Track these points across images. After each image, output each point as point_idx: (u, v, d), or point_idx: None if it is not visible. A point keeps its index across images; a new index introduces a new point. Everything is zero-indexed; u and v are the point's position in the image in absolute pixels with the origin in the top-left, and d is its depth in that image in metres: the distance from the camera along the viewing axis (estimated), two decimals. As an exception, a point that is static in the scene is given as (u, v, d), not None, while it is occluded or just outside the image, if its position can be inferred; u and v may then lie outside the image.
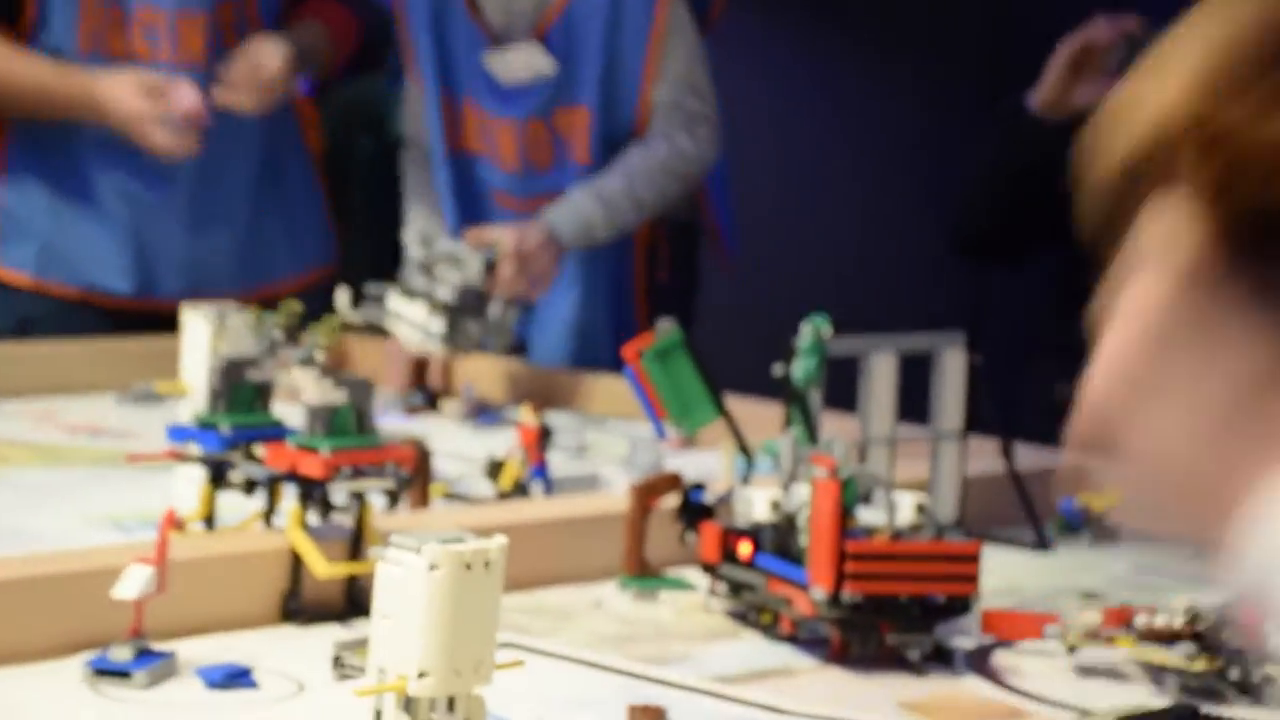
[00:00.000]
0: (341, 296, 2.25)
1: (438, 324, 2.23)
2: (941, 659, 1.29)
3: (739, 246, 2.85)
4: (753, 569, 1.35)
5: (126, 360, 2.38)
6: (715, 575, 1.39)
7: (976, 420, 1.69)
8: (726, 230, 2.82)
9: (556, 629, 1.36)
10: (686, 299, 2.81)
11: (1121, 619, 1.28)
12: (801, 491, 1.34)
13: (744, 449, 1.45)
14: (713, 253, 2.82)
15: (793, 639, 1.33)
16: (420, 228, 2.53)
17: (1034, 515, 1.71)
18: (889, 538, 1.30)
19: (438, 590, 0.87)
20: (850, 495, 1.28)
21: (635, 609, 1.43)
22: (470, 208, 2.65)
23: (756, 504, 1.37)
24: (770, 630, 1.34)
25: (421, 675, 0.87)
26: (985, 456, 1.76)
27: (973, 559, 1.28)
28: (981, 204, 2.56)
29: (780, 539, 1.35)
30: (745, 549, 1.34)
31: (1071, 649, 1.31)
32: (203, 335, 1.61)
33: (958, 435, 1.68)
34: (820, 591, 1.27)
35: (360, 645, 0.94)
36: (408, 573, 0.88)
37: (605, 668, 1.27)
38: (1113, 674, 1.29)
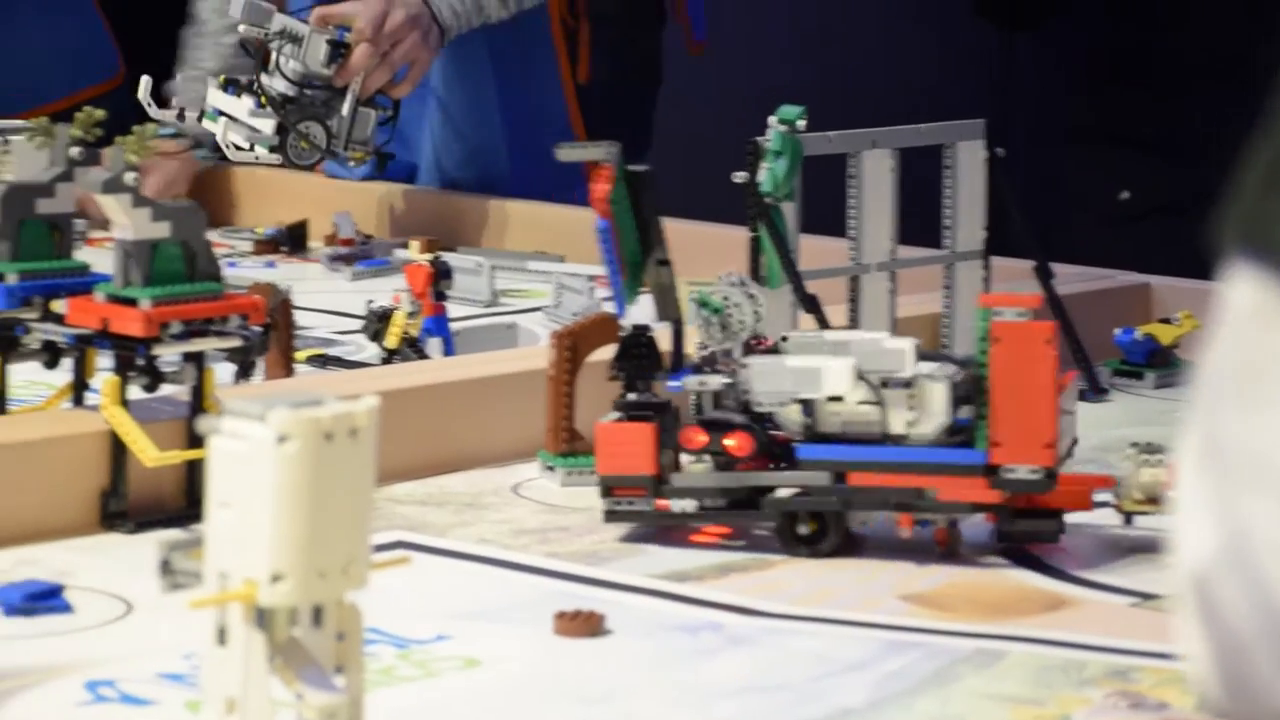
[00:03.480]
0: (143, 88, 2.22)
1: (266, 124, 2.20)
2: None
3: (705, 26, 2.84)
4: (798, 464, 1.29)
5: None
6: (656, 490, 1.31)
7: (1001, 234, 1.69)
8: (693, 5, 2.81)
9: (463, 523, 1.36)
10: (642, 100, 2.80)
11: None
12: (887, 350, 1.28)
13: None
14: (682, 33, 2.82)
15: (896, 554, 1.29)
16: None
17: (1082, 353, 1.72)
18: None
19: (290, 468, 0.86)
20: None
21: (563, 495, 1.43)
22: None
23: (832, 375, 1.27)
24: (813, 543, 1.29)
25: (275, 579, 0.87)
26: (1015, 280, 1.77)
27: None
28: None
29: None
30: (733, 443, 1.29)
31: (1128, 517, 1.32)
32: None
33: (978, 255, 1.68)
34: (1030, 470, 1.25)
35: (195, 545, 0.94)
36: (250, 448, 0.87)
37: (525, 568, 1.28)
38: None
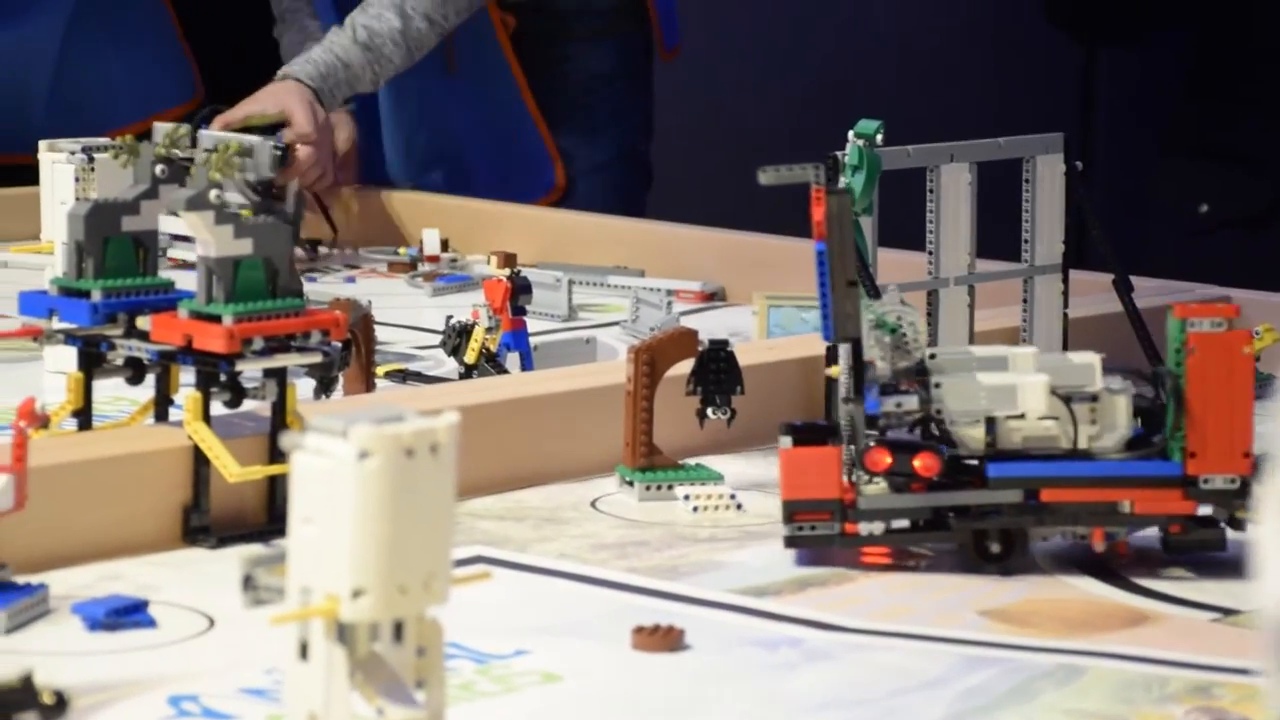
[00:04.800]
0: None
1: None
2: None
3: (677, 30, 2.85)
4: (989, 482, 1.28)
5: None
6: (846, 516, 1.29)
7: (1080, 248, 1.68)
8: (664, 6, 2.82)
9: (542, 538, 1.37)
10: (633, 111, 2.81)
11: None
12: (1077, 365, 1.28)
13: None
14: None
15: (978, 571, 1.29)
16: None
17: (1162, 366, 1.71)
18: None
19: (371, 484, 0.87)
20: None
21: (641, 509, 1.44)
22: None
23: (1028, 392, 1.26)
24: (1000, 560, 1.28)
25: (357, 594, 0.88)
26: (1094, 295, 1.76)
27: None
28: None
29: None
30: (921, 464, 1.27)
31: (1235, 523, 1.31)
32: (65, 177, 1.60)
33: (1057, 268, 1.67)
34: (1226, 479, 1.26)
35: (278, 561, 0.94)
36: (332, 464, 0.88)
37: (604, 583, 1.28)
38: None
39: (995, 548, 1.29)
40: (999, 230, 1.70)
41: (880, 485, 1.30)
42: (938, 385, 1.29)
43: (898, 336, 1.31)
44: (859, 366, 1.30)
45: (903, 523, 1.30)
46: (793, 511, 1.29)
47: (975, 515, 1.29)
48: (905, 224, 1.70)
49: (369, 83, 2.52)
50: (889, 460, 1.29)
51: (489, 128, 2.74)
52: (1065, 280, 1.68)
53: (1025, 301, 1.68)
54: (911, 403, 1.29)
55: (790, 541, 1.30)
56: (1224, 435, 1.26)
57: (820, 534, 1.30)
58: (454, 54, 2.70)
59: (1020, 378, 1.29)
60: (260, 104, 2.42)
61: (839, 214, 1.29)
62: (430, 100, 2.71)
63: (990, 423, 1.28)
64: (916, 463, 1.28)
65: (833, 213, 1.29)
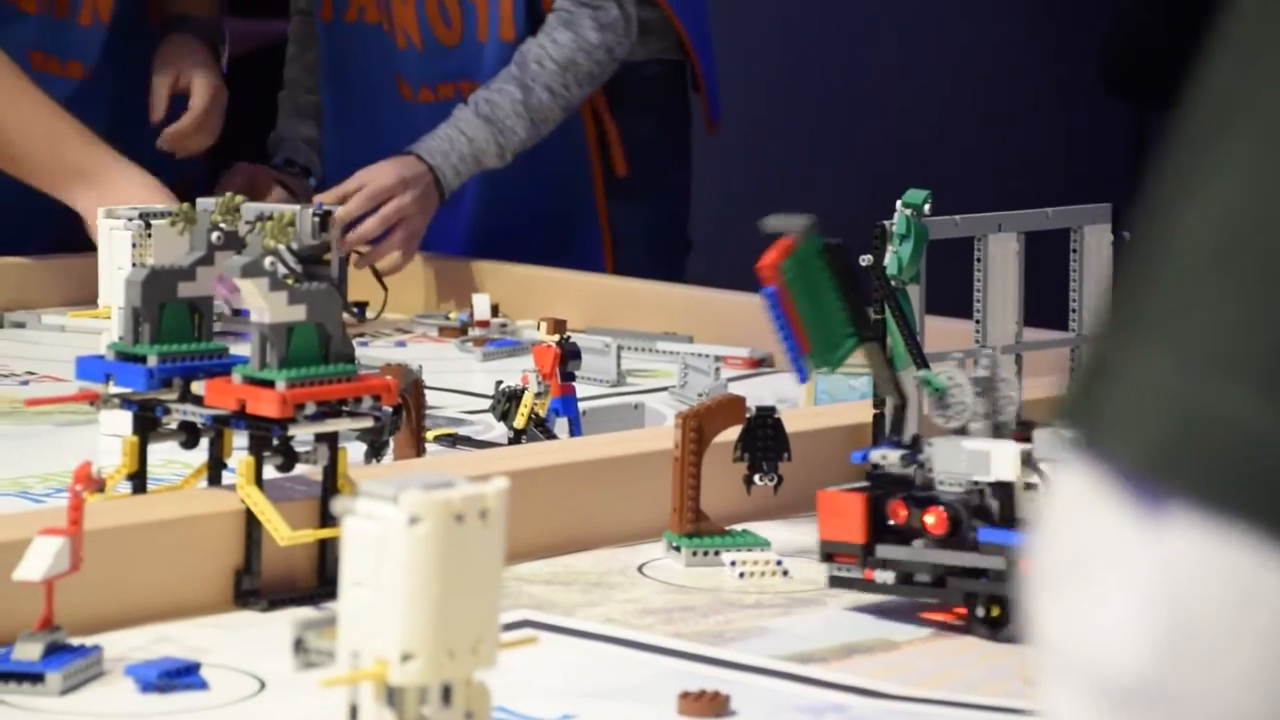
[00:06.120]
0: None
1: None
2: None
3: (720, 103, 2.87)
4: (976, 548, 1.29)
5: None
6: (863, 561, 1.32)
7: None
8: (710, 80, 2.84)
9: (589, 602, 1.38)
10: (673, 179, 2.83)
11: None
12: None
13: (896, 389, 1.37)
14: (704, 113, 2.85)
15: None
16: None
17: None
18: None
19: (421, 549, 0.88)
20: None
21: (688, 575, 1.44)
22: (357, 98, 2.68)
23: (1000, 460, 1.28)
24: (996, 628, 1.29)
25: (406, 659, 0.89)
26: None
27: None
28: (1139, 22, 2.54)
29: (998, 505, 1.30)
30: (932, 520, 1.29)
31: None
32: (122, 244, 1.62)
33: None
34: None
35: (328, 624, 0.96)
36: (383, 528, 0.89)
37: (651, 648, 1.29)
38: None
39: (980, 611, 1.30)
40: (1047, 298, 1.71)
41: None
42: (930, 444, 1.32)
43: (943, 395, 1.33)
44: (897, 423, 1.34)
45: (922, 575, 1.32)
46: (829, 553, 1.33)
47: (968, 577, 1.30)
48: (953, 292, 1.71)
49: (494, 156, 2.53)
50: (904, 513, 1.31)
51: (549, 198, 2.75)
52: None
53: (1073, 370, 1.69)
54: (893, 456, 1.33)
55: (832, 581, 1.33)
56: None
57: (849, 576, 1.33)
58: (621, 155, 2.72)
59: (996, 445, 1.29)
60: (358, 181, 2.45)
61: (840, 265, 1.34)
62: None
63: (1000, 488, 1.29)
64: (928, 519, 1.30)
65: (837, 263, 1.34)
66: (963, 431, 1.34)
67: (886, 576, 1.32)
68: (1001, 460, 1.28)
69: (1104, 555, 0.65)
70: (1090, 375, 0.67)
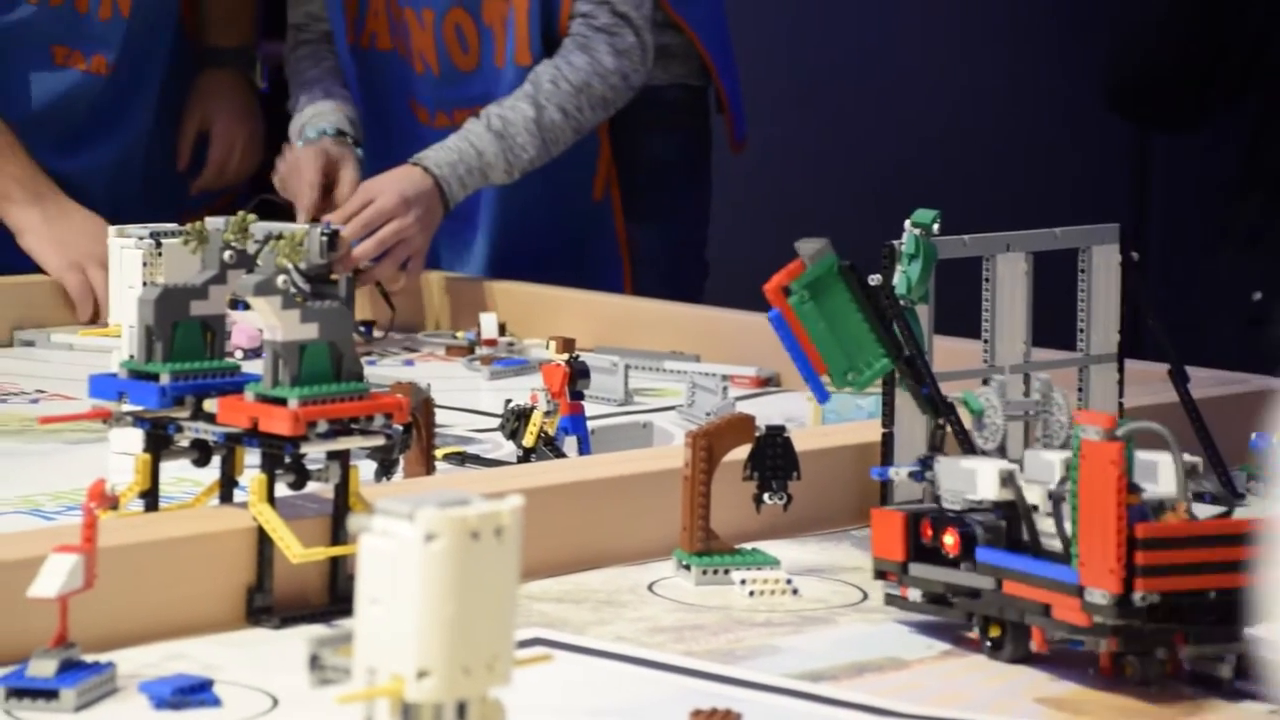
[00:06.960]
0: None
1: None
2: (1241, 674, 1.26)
3: (745, 122, 2.87)
4: (971, 568, 1.30)
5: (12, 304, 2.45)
6: (900, 579, 1.34)
7: (1136, 338, 1.69)
8: (735, 101, 2.84)
9: (600, 621, 1.38)
10: (693, 202, 2.83)
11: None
12: (1044, 461, 1.29)
13: (940, 406, 1.39)
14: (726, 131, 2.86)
15: (1035, 658, 1.29)
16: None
17: (1217, 457, 1.71)
18: (1184, 516, 1.25)
19: (436, 566, 0.89)
20: (1130, 462, 1.21)
21: (698, 593, 1.45)
22: (373, 123, 2.68)
23: (983, 479, 1.30)
24: (997, 649, 1.30)
25: (421, 675, 0.89)
26: (1149, 385, 1.76)
27: None
28: (1145, 45, 2.54)
29: (1009, 526, 1.30)
30: (950, 540, 1.30)
31: None
32: (134, 263, 1.63)
33: (1112, 358, 1.68)
34: (1101, 594, 1.21)
35: (344, 641, 0.96)
36: (398, 546, 0.89)
37: (661, 666, 1.29)
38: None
39: (977, 631, 1.31)
40: (1055, 319, 1.71)
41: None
42: (938, 462, 1.34)
43: (978, 417, 1.38)
44: (933, 441, 1.38)
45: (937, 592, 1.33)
46: (880, 570, 1.35)
47: (966, 596, 1.31)
48: (962, 312, 1.71)
49: (502, 172, 2.53)
50: (929, 533, 1.32)
51: (568, 222, 2.75)
52: (1120, 370, 1.69)
53: (1081, 391, 1.69)
54: (902, 473, 1.36)
55: (888, 599, 1.36)
56: (1101, 545, 1.21)
57: (894, 594, 1.35)
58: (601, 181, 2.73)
59: (983, 463, 1.30)
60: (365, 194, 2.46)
61: (862, 289, 1.39)
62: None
63: (1005, 508, 1.30)
64: (946, 539, 1.31)
65: (859, 287, 1.38)
66: (1001, 453, 1.37)
67: (915, 594, 1.34)
68: (985, 479, 1.30)
69: None
70: None
